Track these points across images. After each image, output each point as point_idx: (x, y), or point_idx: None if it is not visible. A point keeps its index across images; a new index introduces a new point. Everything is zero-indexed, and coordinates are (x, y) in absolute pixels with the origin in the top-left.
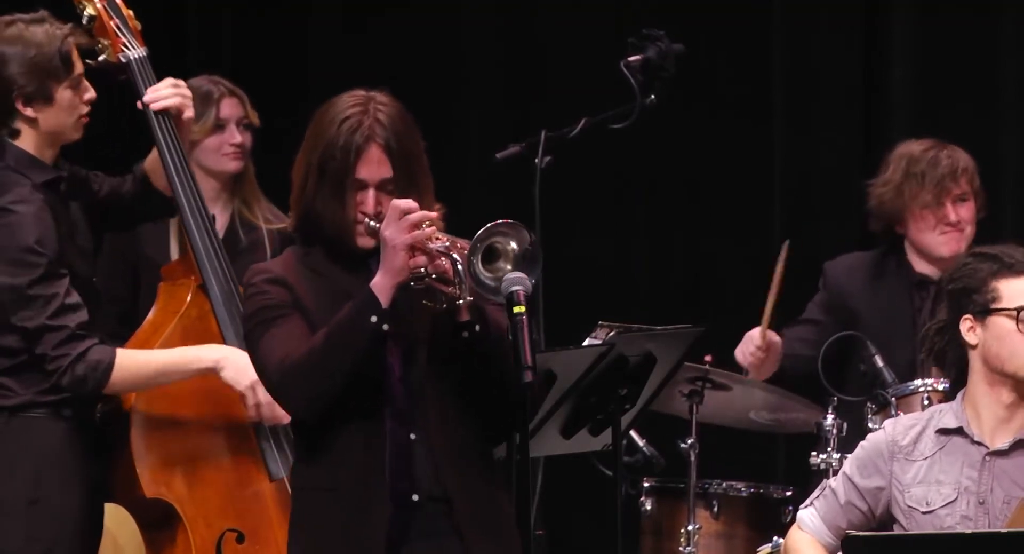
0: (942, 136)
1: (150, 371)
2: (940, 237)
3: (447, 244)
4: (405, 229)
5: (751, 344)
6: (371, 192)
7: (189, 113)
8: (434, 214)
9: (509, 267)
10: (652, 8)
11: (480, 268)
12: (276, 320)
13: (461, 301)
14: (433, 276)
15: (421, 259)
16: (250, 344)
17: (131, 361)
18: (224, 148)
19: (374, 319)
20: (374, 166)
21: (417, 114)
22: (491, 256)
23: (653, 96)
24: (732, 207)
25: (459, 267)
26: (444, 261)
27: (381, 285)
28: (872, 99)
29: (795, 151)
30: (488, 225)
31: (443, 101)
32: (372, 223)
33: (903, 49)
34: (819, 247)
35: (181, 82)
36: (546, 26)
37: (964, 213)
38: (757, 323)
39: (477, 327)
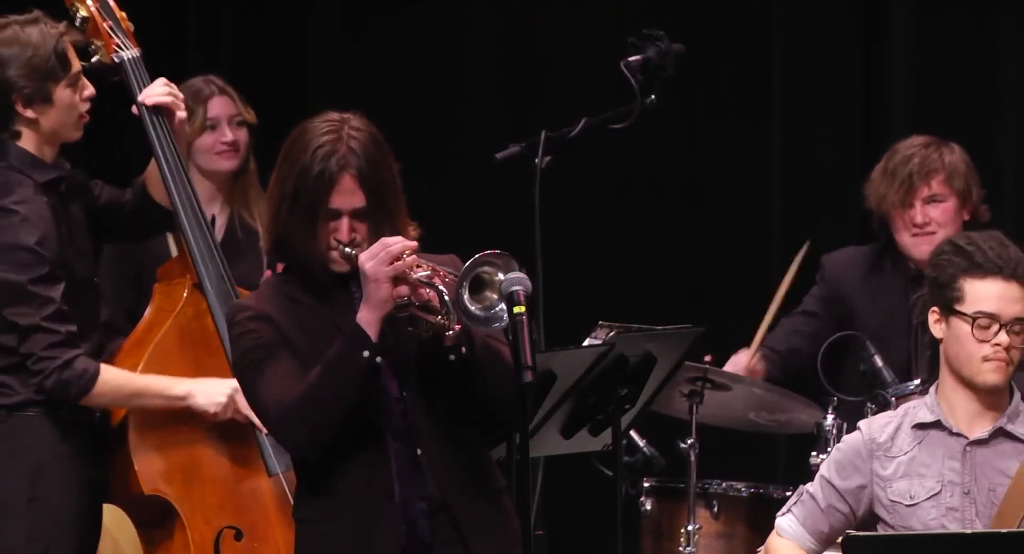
0: (941, 136)
1: (129, 391)
2: (911, 238)
3: (428, 273)
4: (385, 261)
5: (737, 368)
6: (345, 220)
7: (181, 113)
8: (414, 243)
9: (496, 296)
10: (652, 8)
11: (467, 299)
12: (267, 360)
13: (450, 332)
14: (416, 304)
15: (403, 289)
16: (245, 386)
17: (113, 377)
18: (217, 146)
19: (366, 354)
20: (347, 196)
21: (417, 115)
22: (479, 286)
23: (653, 96)
24: (732, 207)
25: (445, 298)
26: (428, 291)
27: (367, 319)
28: (872, 99)
29: (795, 151)
30: (476, 256)
31: (443, 101)
32: (347, 250)
33: (903, 49)
34: (819, 247)
35: (171, 84)
36: (546, 26)
37: (935, 215)
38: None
39: (463, 349)
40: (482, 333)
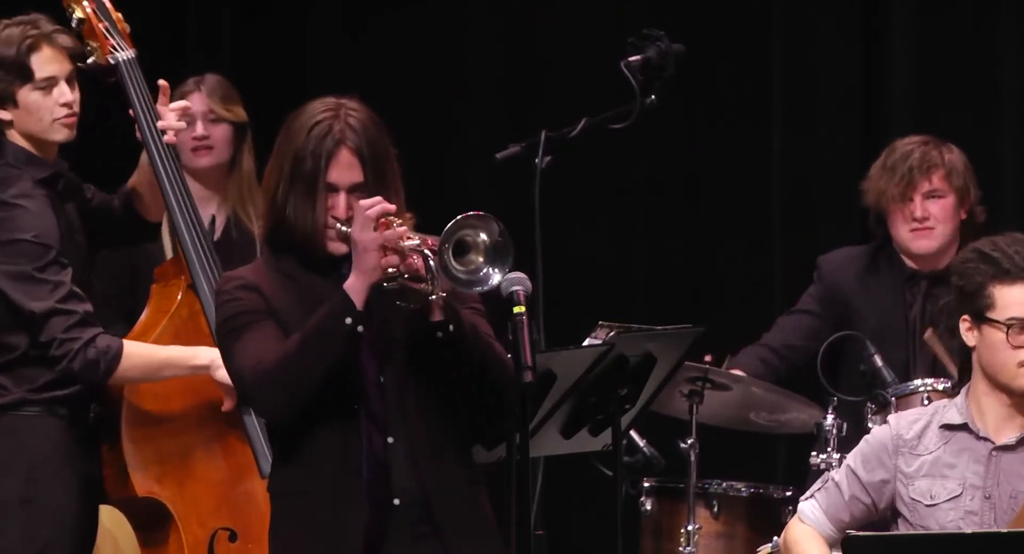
0: (941, 136)
1: (154, 362)
2: (910, 233)
3: (417, 242)
4: (373, 227)
5: None
6: (342, 196)
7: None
8: (392, 207)
9: (481, 259)
10: (652, 8)
11: (452, 262)
12: (249, 326)
13: (434, 297)
14: (406, 275)
15: (393, 258)
16: (223, 351)
17: (138, 350)
18: (190, 143)
19: (349, 321)
20: (344, 170)
21: (417, 114)
22: (462, 249)
23: (653, 96)
24: (732, 207)
25: (431, 263)
26: (416, 258)
27: (354, 287)
28: (872, 99)
29: (795, 151)
30: (457, 218)
31: (443, 101)
32: (343, 228)
33: (903, 49)
34: (818, 247)
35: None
36: (546, 26)
37: (934, 210)
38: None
39: (451, 327)
40: (468, 319)
